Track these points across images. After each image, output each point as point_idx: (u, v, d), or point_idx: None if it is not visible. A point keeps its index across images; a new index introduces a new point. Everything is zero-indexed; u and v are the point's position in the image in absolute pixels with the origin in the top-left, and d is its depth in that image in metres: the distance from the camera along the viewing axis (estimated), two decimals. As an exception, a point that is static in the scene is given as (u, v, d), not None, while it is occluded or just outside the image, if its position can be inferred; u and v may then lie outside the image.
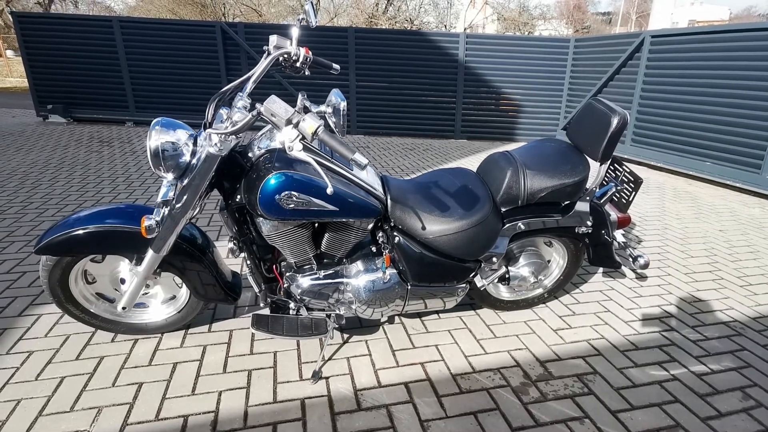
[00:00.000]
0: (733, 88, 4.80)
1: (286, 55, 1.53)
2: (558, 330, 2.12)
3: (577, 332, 2.11)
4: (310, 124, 1.20)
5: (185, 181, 1.46)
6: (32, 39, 6.93)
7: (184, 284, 1.85)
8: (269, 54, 1.51)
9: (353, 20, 18.24)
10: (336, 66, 1.69)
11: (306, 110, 1.29)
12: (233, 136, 1.42)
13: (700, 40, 5.15)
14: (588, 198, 1.89)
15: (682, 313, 2.32)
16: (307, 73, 1.65)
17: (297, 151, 1.21)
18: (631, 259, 1.97)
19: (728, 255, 3.11)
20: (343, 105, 1.52)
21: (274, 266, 1.79)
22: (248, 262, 1.72)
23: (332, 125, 1.53)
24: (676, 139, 5.44)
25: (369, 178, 1.68)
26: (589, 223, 1.91)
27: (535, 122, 7.38)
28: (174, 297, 1.93)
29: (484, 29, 22.29)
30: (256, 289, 1.80)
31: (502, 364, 1.87)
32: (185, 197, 1.47)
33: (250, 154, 1.55)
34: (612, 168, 2.10)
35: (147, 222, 1.43)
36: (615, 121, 1.71)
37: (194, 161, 1.48)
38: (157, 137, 1.44)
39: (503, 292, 2.19)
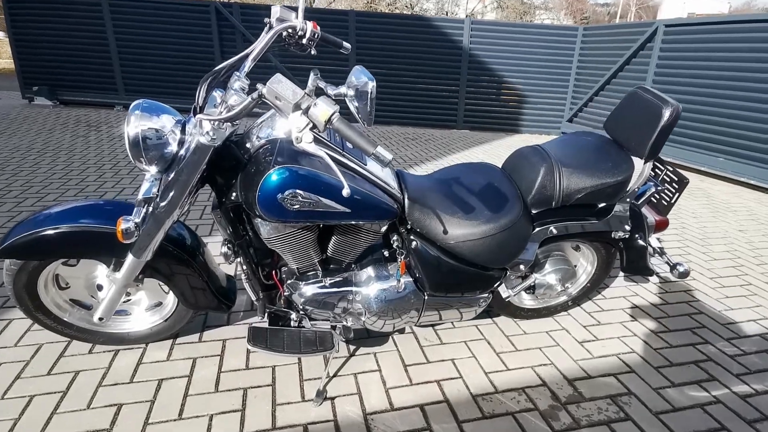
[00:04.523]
0: (750, 81, 4.61)
1: (290, 30, 1.31)
2: (584, 342, 1.94)
3: (605, 345, 1.93)
4: (323, 109, 0.98)
5: (171, 176, 1.24)
6: (20, 18, 6.58)
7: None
8: (271, 28, 1.28)
9: (352, 4, 17.80)
10: (347, 44, 1.47)
11: (319, 92, 1.07)
12: (228, 124, 1.20)
13: (717, 30, 4.94)
14: (628, 200, 1.69)
15: (713, 323, 2.14)
16: (313, 53, 1.43)
17: (306, 143, 0.99)
18: (668, 267, 1.78)
19: (753, 258, 2.94)
20: (371, 86, 1.24)
21: (273, 272, 1.58)
22: (244, 267, 1.51)
23: (355, 112, 1.29)
24: (688, 133, 5.25)
25: (384, 174, 1.47)
26: (627, 228, 1.71)
27: (541, 113, 7.16)
28: (160, 304, 1.72)
29: (483, 17, 21.91)
30: (254, 298, 1.59)
31: (526, 383, 1.68)
32: (171, 194, 1.25)
33: (248, 145, 1.33)
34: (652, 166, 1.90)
35: (124, 224, 1.21)
36: (667, 114, 1.50)
37: (182, 152, 1.26)
38: (137, 123, 1.21)
39: (525, 300, 1.99)
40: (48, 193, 3.30)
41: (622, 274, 2.58)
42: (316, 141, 1.28)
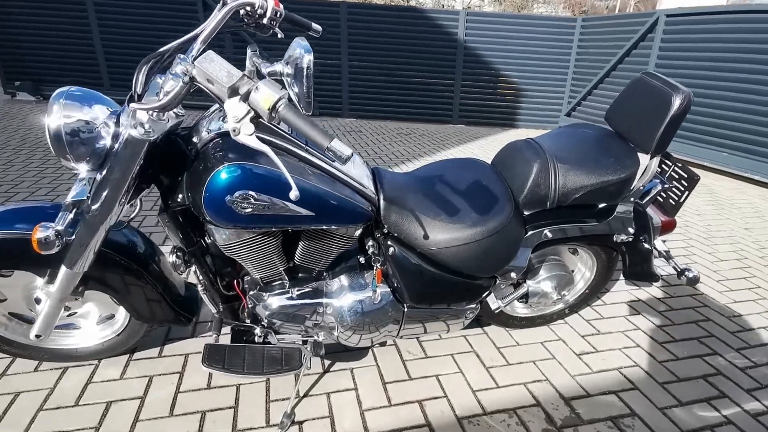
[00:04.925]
0: (755, 73, 4.43)
1: (248, 7, 1.12)
2: (582, 354, 1.78)
3: (605, 358, 1.77)
4: (266, 95, 0.81)
5: (103, 174, 1.07)
6: (1, 10, 6.35)
7: (122, 303, 1.46)
8: (225, 4, 1.10)
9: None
10: (317, 26, 1.28)
11: (261, 75, 0.89)
12: (167, 113, 1.03)
13: (721, 20, 4.75)
14: (632, 199, 1.52)
15: (722, 331, 1.98)
16: (279, 35, 1.25)
17: (245, 136, 0.82)
18: (675, 273, 1.62)
19: (760, 258, 2.78)
20: (308, 60, 1.00)
21: (235, 281, 1.41)
22: (200, 277, 1.34)
23: (294, 96, 1.06)
24: (690, 126, 5.07)
25: (356, 171, 1.30)
26: (631, 230, 1.54)
27: (538, 107, 6.97)
28: (113, 316, 1.55)
29: (480, 9, 21.63)
30: (213, 310, 1.42)
31: (518, 403, 1.52)
32: (103, 196, 1.08)
33: (195, 139, 1.16)
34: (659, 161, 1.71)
35: (41, 233, 1.03)
36: (677, 102, 1.33)
37: (117, 147, 1.09)
38: (59, 114, 1.04)
39: (518, 308, 1.83)
40: (18, 192, 3.12)
41: (623, 278, 2.41)
42: (270, 132, 1.10)
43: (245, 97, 0.83)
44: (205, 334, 1.76)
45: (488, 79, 6.82)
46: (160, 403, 1.43)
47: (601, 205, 1.52)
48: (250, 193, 1.05)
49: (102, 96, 1.13)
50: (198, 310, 1.58)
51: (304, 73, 0.97)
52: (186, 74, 0.88)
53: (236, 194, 1.04)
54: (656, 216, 1.62)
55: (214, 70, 0.84)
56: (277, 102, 0.81)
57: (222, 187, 1.04)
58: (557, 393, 1.57)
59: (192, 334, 1.76)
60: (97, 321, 1.55)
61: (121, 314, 1.52)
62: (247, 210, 1.07)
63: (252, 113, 0.82)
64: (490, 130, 6.72)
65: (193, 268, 1.31)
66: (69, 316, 1.50)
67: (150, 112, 1.01)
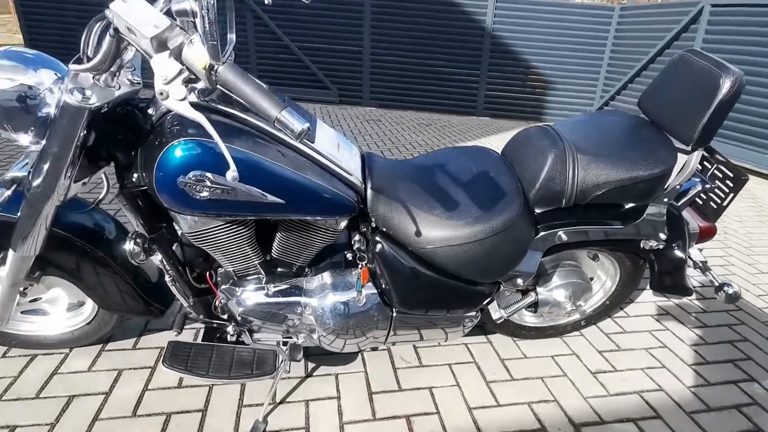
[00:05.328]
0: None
1: None
2: (598, 373, 1.58)
3: (625, 378, 1.56)
4: (202, 51, 0.66)
5: (42, 146, 0.94)
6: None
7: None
8: None
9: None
10: None
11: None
12: (117, 80, 0.89)
13: (775, 9, 4.34)
14: (666, 200, 1.31)
15: (761, 354, 1.75)
16: (267, 1, 1.10)
17: (175, 102, 0.67)
18: (713, 287, 1.40)
19: (809, 273, 2.48)
20: None
21: (208, 273, 1.28)
22: (167, 267, 1.21)
23: (200, 41, 0.73)
24: (733, 126, 4.69)
25: (340, 154, 1.14)
26: (662, 236, 1.32)
27: (569, 101, 6.63)
28: (83, 303, 1.44)
29: None
30: (184, 304, 1.29)
31: (520, 426, 1.34)
32: (44, 172, 0.95)
33: (152, 110, 1.01)
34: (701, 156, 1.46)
35: (-35, 211, 0.91)
36: (726, 84, 1.11)
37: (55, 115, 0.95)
38: (-4, 76, 0.91)
39: (526, 317, 1.64)
40: None
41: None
42: (221, 98, 0.95)
43: (176, 53, 0.67)
44: (186, 326, 1.63)
45: (517, 70, 6.51)
46: (124, 400, 1.32)
47: (628, 206, 1.31)
48: (207, 174, 0.90)
49: (49, 58, 1.00)
50: (173, 301, 1.46)
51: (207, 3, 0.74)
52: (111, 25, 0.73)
53: (190, 175, 0.90)
54: (693, 221, 1.40)
55: (135, 17, 0.69)
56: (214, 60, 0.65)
57: (174, 167, 0.90)
58: (566, 417, 1.38)
59: (172, 324, 1.64)
60: (67, 308, 1.45)
61: (90, 302, 1.41)
62: (203, 194, 0.92)
63: (185, 73, 0.67)
64: (516, 124, 6.43)
65: (159, 257, 1.18)
66: (33, 301, 1.40)
67: (95, 76, 0.87)
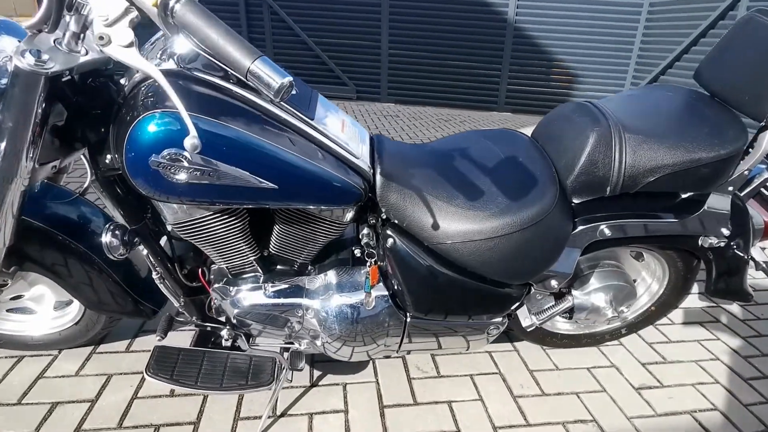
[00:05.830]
0: None
1: None
2: (642, 389, 1.39)
3: (673, 395, 1.37)
4: None
5: None
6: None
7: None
8: None
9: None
10: None
11: None
12: (81, 44, 0.76)
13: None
14: (730, 188, 1.11)
15: (833, 369, 1.52)
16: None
17: (120, 49, 0.53)
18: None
19: None
20: None
21: (200, 270, 1.15)
22: (153, 263, 1.08)
23: None
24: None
25: (345, 134, 0.99)
26: (725, 232, 1.13)
27: (595, 96, 6.34)
28: (71, 302, 1.33)
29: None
30: (175, 304, 1.16)
31: (553, 449, 1.17)
32: (1, 151, 0.82)
33: (124, 81, 0.88)
34: None
35: None
36: None
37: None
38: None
39: (559, 323, 1.46)
40: None
41: (704, 292, 1.97)
42: (208, 66, 0.81)
43: None
44: (183, 327, 1.52)
45: (540, 64, 6.26)
46: (109, 410, 1.20)
47: (686, 195, 1.11)
48: (183, 153, 0.76)
49: (14, 24, 0.88)
50: (166, 300, 1.33)
51: None
52: None
53: (164, 153, 0.76)
54: (759, 215, 1.20)
55: None
56: None
57: (145, 144, 0.76)
58: (606, 440, 1.20)
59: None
60: (54, 306, 1.34)
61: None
62: (181, 176, 0.78)
63: (133, 13, 0.53)
64: (538, 119, 6.17)
65: (144, 251, 1.05)
66: (15, 299, 1.29)
67: (56, 40, 0.74)
